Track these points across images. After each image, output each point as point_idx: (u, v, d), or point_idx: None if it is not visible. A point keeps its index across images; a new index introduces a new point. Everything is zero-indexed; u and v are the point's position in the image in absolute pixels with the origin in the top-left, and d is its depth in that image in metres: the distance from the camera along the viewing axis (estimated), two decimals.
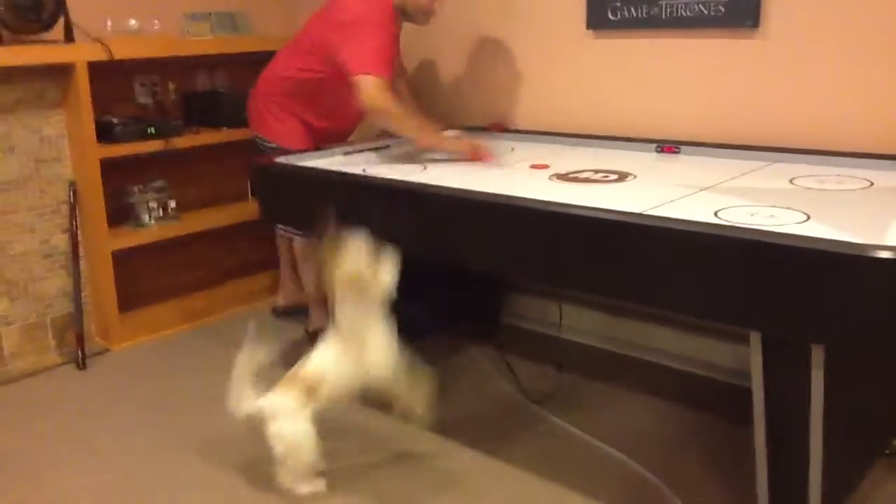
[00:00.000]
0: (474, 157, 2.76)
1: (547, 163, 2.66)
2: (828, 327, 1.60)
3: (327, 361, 2.20)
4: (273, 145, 3.13)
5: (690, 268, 1.75)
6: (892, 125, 2.41)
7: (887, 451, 2.35)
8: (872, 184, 2.19)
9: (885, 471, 2.28)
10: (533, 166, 2.63)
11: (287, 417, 2.12)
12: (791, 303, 1.63)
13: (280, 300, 3.66)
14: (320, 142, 3.14)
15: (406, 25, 3.07)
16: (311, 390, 2.14)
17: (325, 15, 2.99)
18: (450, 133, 3.07)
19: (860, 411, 2.06)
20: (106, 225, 3.27)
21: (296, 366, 2.23)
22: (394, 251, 2.16)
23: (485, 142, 2.89)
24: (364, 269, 2.13)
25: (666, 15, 2.78)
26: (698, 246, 1.73)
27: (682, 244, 1.76)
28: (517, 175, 2.53)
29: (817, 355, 1.70)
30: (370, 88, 2.74)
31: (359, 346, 2.17)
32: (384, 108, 2.75)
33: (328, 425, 2.21)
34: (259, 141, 3.21)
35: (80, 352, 3.22)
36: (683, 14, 2.73)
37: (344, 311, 2.17)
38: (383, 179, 2.46)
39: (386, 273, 2.16)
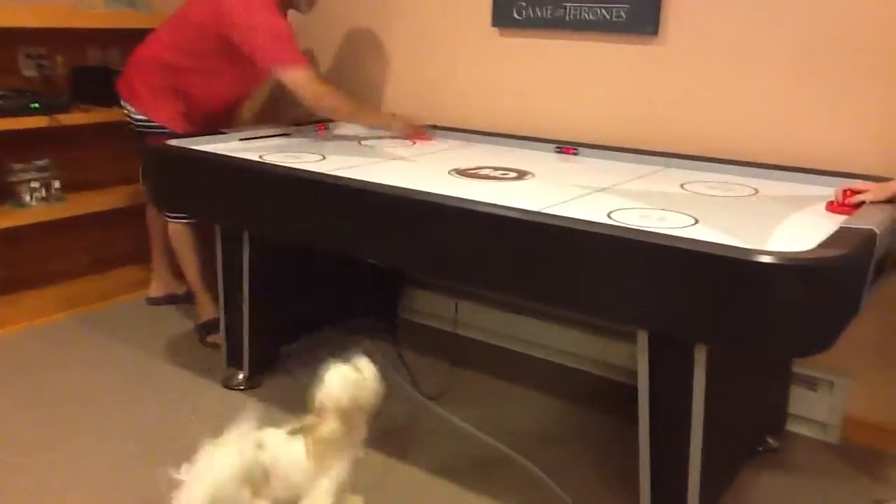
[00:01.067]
0: (414, 136, 2.99)
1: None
2: (711, 328, 1.66)
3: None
4: (141, 117, 3.02)
5: (582, 266, 1.78)
6: (778, 135, 2.52)
7: (761, 448, 2.46)
8: (758, 191, 2.28)
9: (759, 467, 2.38)
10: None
11: None
12: (676, 303, 1.67)
13: (154, 290, 3.52)
14: (200, 126, 3.05)
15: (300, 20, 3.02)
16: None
17: (196, 8, 2.91)
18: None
19: (738, 410, 2.14)
20: None
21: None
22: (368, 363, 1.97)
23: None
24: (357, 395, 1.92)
25: (570, 17, 2.81)
26: (590, 245, 1.76)
27: (575, 243, 1.78)
28: (417, 169, 2.51)
29: (700, 355, 1.76)
30: (302, 83, 2.78)
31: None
32: (324, 98, 2.82)
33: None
34: (129, 114, 3.07)
35: None
36: (587, 17, 2.78)
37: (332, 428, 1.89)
38: (282, 168, 2.41)
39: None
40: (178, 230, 3.09)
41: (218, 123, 3.15)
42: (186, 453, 2.37)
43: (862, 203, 1.97)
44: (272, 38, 2.77)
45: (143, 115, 3.02)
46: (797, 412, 2.57)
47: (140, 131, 3.03)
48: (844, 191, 2.01)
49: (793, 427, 2.59)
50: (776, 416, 2.53)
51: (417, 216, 2.03)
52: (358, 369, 1.92)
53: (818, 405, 2.55)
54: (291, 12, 2.99)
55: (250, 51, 2.78)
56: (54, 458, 2.36)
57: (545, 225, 1.83)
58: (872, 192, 1.98)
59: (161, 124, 2.99)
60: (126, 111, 3.09)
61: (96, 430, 2.50)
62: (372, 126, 3.10)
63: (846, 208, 1.98)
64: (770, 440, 2.48)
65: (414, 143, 2.96)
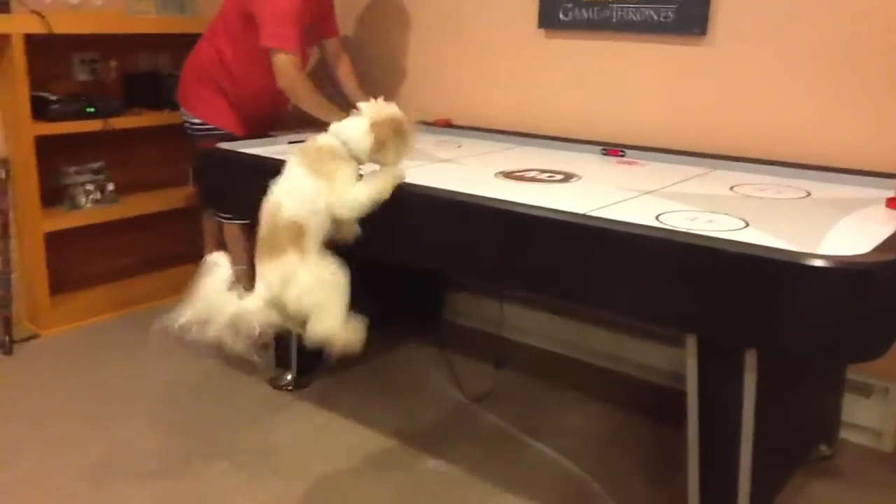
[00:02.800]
0: None
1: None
2: (761, 332, 1.63)
3: (300, 196, 1.99)
4: (197, 121, 3.10)
5: (630, 270, 1.76)
6: (830, 138, 2.47)
7: (814, 456, 2.41)
8: (810, 194, 2.23)
9: (811, 475, 2.34)
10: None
11: (296, 277, 1.91)
12: (726, 307, 1.65)
13: None
14: (253, 125, 3.11)
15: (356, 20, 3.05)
16: (298, 239, 1.94)
17: None
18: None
19: (789, 416, 2.11)
20: (39, 205, 3.16)
21: (265, 210, 2.02)
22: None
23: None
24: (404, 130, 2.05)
25: (616, 18, 2.80)
26: (638, 248, 1.75)
27: (623, 246, 1.77)
28: (463, 171, 2.52)
29: (750, 360, 1.74)
30: (284, 66, 2.87)
31: (329, 177, 2.01)
32: (295, 84, 2.90)
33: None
34: (185, 118, 3.17)
35: (7, 336, 3.10)
36: (633, 18, 2.76)
37: (339, 136, 2.06)
38: None
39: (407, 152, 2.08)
40: (233, 232, 3.15)
41: (269, 123, 3.20)
42: (228, 450, 2.42)
43: None
44: (272, 17, 2.86)
45: (197, 118, 3.10)
46: (851, 420, 2.52)
47: (195, 134, 3.10)
48: None
49: (846, 435, 2.54)
50: (829, 424, 2.48)
51: (463, 218, 2.03)
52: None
53: (872, 412, 2.49)
54: None
55: (258, 24, 2.88)
56: (98, 453, 2.41)
57: (593, 228, 1.82)
58: None
59: (214, 126, 3.06)
60: (182, 115, 3.17)
61: (141, 426, 2.55)
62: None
63: None
64: (823, 448, 2.44)
65: None
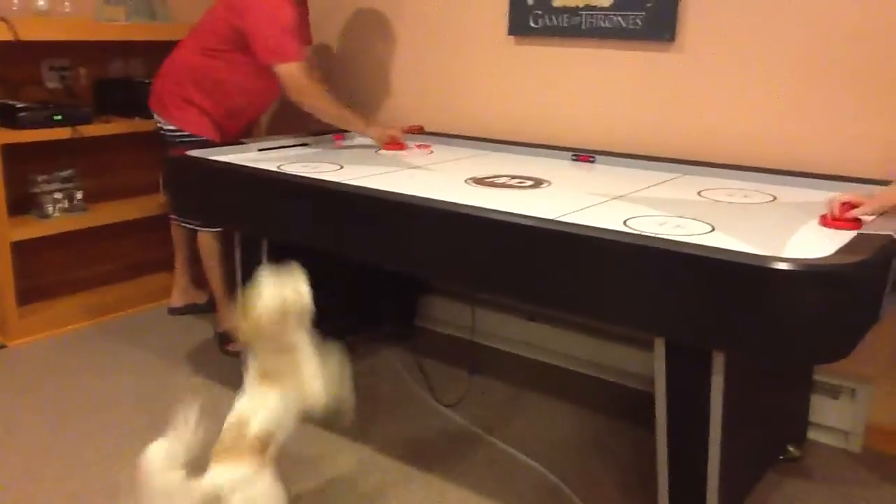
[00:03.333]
0: (390, 145, 3.00)
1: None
2: (728, 335, 1.65)
3: (269, 412, 1.88)
4: (172, 127, 3.09)
5: (598, 274, 1.78)
6: (796, 142, 2.51)
7: (782, 457, 2.44)
8: (776, 198, 2.27)
9: (780, 474, 2.36)
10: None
11: (252, 487, 1.82)
12: (693, 310, 1.67)
13: (176, 300, 3.55)
14: (229, 132, 3.11)
15: (328, 27, 3.05)
16: (263, 450, 1.86)
17: (219, 8, 3.00)
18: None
19: (758, 418, 2.13)
20: (6, 214, 3.11)
21: (229, 424, 1.91)
22: (299, 269, 1.95)
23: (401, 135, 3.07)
24: (275, 307, 1.88)
25: (586, 25, 2.82)
26: (607, 252, 1.76)
27: (592, 250, 1.78)
28: (434, 177, 2.53)
29: (718, 362, 1.75)
30: (293, 76, 2.85)
31: (292, 380, 1.92)
32: (310, 94, 2.89)
33: None
34: (160, 125, 3.15)
35: None
36: (603, 25, 2.78)
37: (265, 352, 1.92)
38: (300, 177, 2.43)
39: (301, 296, 1.93)
40: (207, 240, 3.13)
41: (245, 130, 3.19)
42: (205, 461, 2.40)
43: (857, 218, 1.91)
44: (270, 28, 2.83)
45: (172, 125, 3.09)
46: (819, 420, 2.55)
47: (170, 141, 3.08)
48: (842, 204, 1.93)
49: (814, 435, 2.57)
50: (797, 425, 2.51)
51: (433, 224, 2.04)
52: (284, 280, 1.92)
53: (840, 413, 2.52)
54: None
55: (251, 41, 2.86)
56: (71, 464, 2.38)
57: (560, 233, 1.83)
58: (867, 204, 1.91)
59: (191, 133, 3.05)
60: (157, 121, 3.15)
61: (115, 437, 2.53)
62: (347, 128, 3.08)
63: (841, 223, 1.91)
64: (792, 449, 2.46)
65: (391, 149, 2.99)
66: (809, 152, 2.48)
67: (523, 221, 1.89)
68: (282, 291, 1.89)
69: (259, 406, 1.88)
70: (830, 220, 1.93)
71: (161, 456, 1.77)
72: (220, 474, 1.81)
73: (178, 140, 3.06)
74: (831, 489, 2.32)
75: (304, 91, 2.87)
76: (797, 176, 2.41)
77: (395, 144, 3.01)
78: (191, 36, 3.13)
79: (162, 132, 3.15)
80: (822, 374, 2.51)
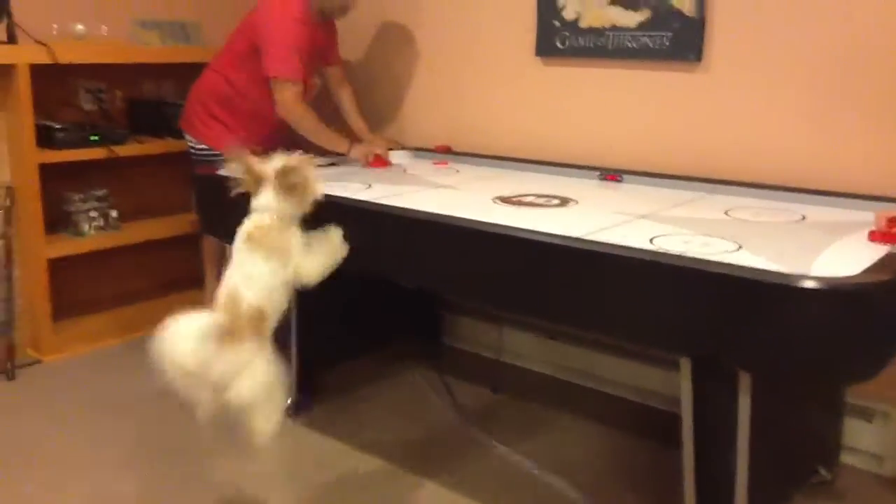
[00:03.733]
0: (375, 163, 3.06)
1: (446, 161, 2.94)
2: (754, 354, 1.63)
3: (260, 286, 1.98)
4: (203, 147, 3.17)
5: (623, 292, 1.77)
6: (826, 161, 2.49)
7: (814, 480, 2.40)
8: (805, 217, 2.25)
9: (811, 497, 2.33)
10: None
11: (254, 369, 1.90)
12: (719, 329, 1.66)
13: None
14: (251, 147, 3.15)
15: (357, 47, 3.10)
16: (260, 326, 1.94)
17: (249, 18, 3.09)
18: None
19: (786, 439, 2.10)
20: (42, 232, 3.19)
21: (223, 297, 2.00)
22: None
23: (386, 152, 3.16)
24: (304, 165, 2.06)
25: (612, 45, 2.83)
26: (631, 271, 1.76)
27: (616, 269, 1.78)
28: (461, 196, 2.54)
29: (744, 382, 1.74)
30: (283, 94, 2.97)
31: (284, 253, 2.02)
32: (295, 113, 3.01)
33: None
34: (191, 145, 3.24)
35: (9, 362, 3.12)
36: (629, 45, 2.79)
37: (265, 210, 2.05)
38: (327, 195, 2.45)
39: (312, 179, 2.08)
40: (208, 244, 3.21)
41: (273, 145, 3.23)
42: (228, 475, 2.42)
43: None
44: (275, 46, 2.95)
45: (202, 144, 3.17)
46: (852, 444, 2.51)
47: (200, 160, 3.15)
48: (889, 219, 1.93)
49: (847, 459, 2.52)
50: (828, 447, 2.47)
51: (459, 242, 2.05)
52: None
53: (873, 437, 2.48)
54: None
55: (261, 54, 2.97)
56: (99, 478, 2.42)
57: (584, 251, 1.83)
58: None
59: (215, 150, 3.11)
60: (188, 142, 3.23)
61: (143, 451, 2.56)
62: (332, 149, 3.11)
63: (890, 237, 1.91)
64: (823, 471, 2.42)
65: (376, 167, 3.04)
66: (840, 171, 2.46)
67: (546, 239, 1.90)
68: (298, 163, 2.05)
69: (249, 278, 1.96)
70: (878, 236, 1.92)
71: (189, 329, 1.90)
72: (222, 360, 1.87)
73: (205, 158, 3.13)
74: None
75: (290, 110, 3.00)
76: (827, 195, 2.39)
77: (379, 162, 3.07)
78: (216, 57, 3.23)
79: (191, 151, 3.23)
80: (855, 397, 2.46)
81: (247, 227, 2.07)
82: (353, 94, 3.37)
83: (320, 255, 2.10)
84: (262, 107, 3.09)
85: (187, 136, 3.25)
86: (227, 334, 1.91)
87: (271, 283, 2.00)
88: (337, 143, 3.08)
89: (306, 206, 2.10)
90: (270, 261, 2.01)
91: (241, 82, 3.11)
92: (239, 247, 2.05)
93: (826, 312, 1.55)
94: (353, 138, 3.20)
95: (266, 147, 3.17)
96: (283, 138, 3.33)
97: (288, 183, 2.05)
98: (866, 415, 2.48)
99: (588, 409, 2.88)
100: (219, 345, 1.89)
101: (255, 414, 1.93)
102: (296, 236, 2.07)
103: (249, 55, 3.04)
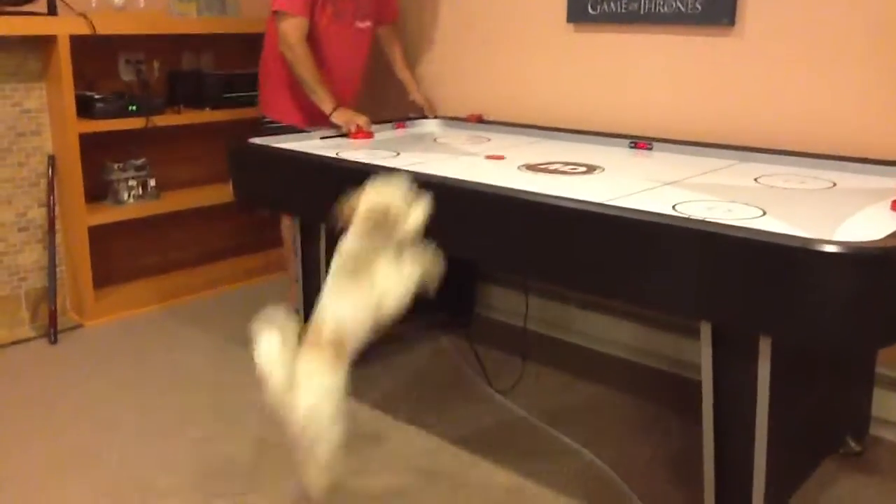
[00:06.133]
0: (357, 134, 2.98)
1: (503, 154, 2.69)
2: (773, 319, 1.62)
3: (342, 318, 1.93)
4: (269, 119, 3.20)
5: (643, 258, 1.77)
6: (858, 128, 2.43)
7: (841, 450, 2.37)
8: (835, 184, 2.21)
9: (838, 468, 2.30)
10: (489, 157, 2.67)
11: (322, 378, 1.88)
12: (736, 293, 1.65)
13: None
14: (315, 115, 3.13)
15: None
16: (339, 350, 1.91)
17: None
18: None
19: (810, 407, 2.08)
20: (83, 200, 3.27)
21: (313, 323, 1.97)
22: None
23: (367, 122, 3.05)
24: (391, 202, 1.93)
25: (644, 10, 2.79)
26: (650, 236, 1.75)
27: (633, 233, 1.77)
28: (487, 164, 2.54)
29: (764, 347, 1.73)
30: (283, 26, 2.95)
31: (370, 286, 1.95)
32: (294, 51, 2.95)
33: None
34: (266, 122, 3.25)
35: (52, 327, 3.22)
36: (661, 10, 2.75)
37: (355, 241, 1.95)
38: (358, 163, 2.48)
39: (416, 213, 1.93)
40: (289, 222, 3.21)
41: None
42: (269, 435, 2.48)
43: None
44: None
45: (264, 114, 3.22)
46: (883, 415, 2.47)
47: (264, 130, 3.19)
48: None
49: (878, 431, 2.49)
50: (858, 418, 2.43)
51: (477, 208, 2.06)
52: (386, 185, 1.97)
53: None
54: None
55: None
56: (138, 436, 2.50)
57: (600, 215, 1.83)
58: None
59: (274, 119, 3.17)
60: (258, 111, 3.28)
61: (178, 412, 2.63)
62: (317, 103, 3.03)
63: None
64: (852, 443, 2.39)
65: (357, 138, 2.96)
66: (872, 138, 2.40)
67: (564, 203, 1.90)
68: (391, 194, 1.94)
69: (335, 309, 1.94)
70: None
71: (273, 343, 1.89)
72: (305, 361, 1.89)
73: (268, 128, 3.18)
74: (891, 485, 2.25)
75: (289, 46, 2.95)
76: (859, 162, 2.34)
77: (361, 133, 2.98)
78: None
79: (261, 122, 3.26)
80: (886, 367, 2.43)
81: (337, 258, 1.99)
82: (403, 51, 3.42)
83: (404, 284, 1.99)
84: (321, 63, 3.05)
85: (260, 111, 3.28)
86: (312, 345, 1.92)
87: (358, 316, 1.95)
88: (323, 101, 2.99)
89: (399, 237, 1.96)
90: (359, 290, 1.96)
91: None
92: (330, 274, 2.01)
93: (847, 277, 1.53)
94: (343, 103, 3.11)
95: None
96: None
97: (372, 225, 1.94)
98: None
99: (617, 378, 2.89)
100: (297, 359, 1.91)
101: (311, 444, 1.90)
102: (385, 265, 1.97)
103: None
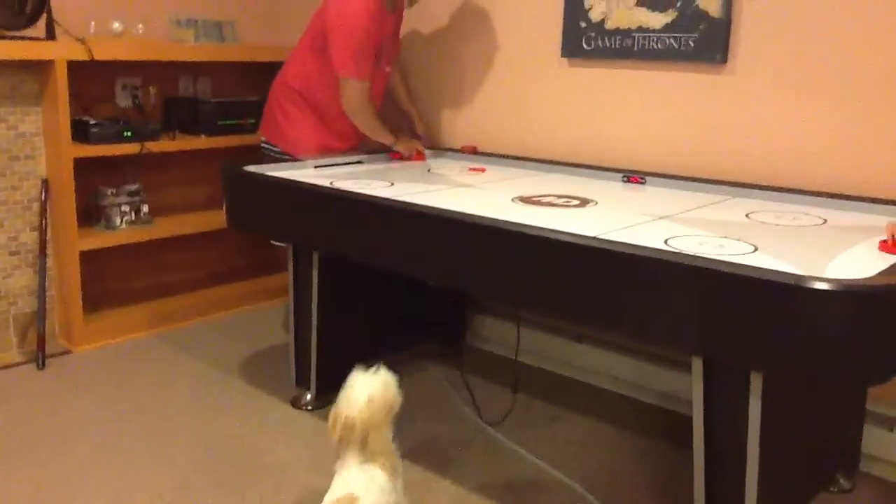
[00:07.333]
0: (411, 157, 3.23)
1: (484, 167, 3.00)
2: (764, 355, 1.63)
3: (378, 492, 1.79)
4: (278, 150, 3.21)
5: (634, 291, 1.77)
6: (850, 165, 2.46)
7: (833, 489, 2.36)
8: (826, 221, 2.22)
9: None
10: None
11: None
12: (729, 329, 1.65)
13: None
14: (335, 136, 3.21)
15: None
16: None
17: (321, 10, 3.10)
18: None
19: (801, 444, 2.08)
20: (76, 224, 3.26)
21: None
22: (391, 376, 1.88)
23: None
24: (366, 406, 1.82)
25: (638, 47, 2.82)
26: (641, 270, 1.76)
27: (626, 268, 1.78)
28: (482, 196, 2.55)
29: (755, 382, 1.73)
30: (352, 93, 3.02)
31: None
32: (361, 113, 3.08)
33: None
34: (265, 147, 3.26)
35: (40, 352, 3.20)
36: (654, 46, 2.78)
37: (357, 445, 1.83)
38: (350, 193, 2.48)
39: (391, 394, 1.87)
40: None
41: (352, 143, 3.29)
42: (249, 466, 2.46)
43: None
44: (346, 44, 2.96)
45: (267, 141, 3.24)
46: (873, 452, 2.47)
47: (267, 156, 3.21)
48: None
49: (868, 468, 2.48)
50: (848, 455, 2.43)
51: (469, 239, 2.07)
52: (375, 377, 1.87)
53: (895, 446, 2.44)
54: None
55: (330, 51, 2.99)
56: (122, 462, 2.47)
57: (596, 249, 1.83)
58: None
59: (279, 149, 3.20)
60: (265, 147, 3.28)
61: (165, 441, 2.61)
62: (382, 142, 3.24)
63: None
64: (842, 480, 2.39)
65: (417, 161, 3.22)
66: (863, 176, 2.43)
67: (556, 236, 1.90)
68: (373, 389, 1.83)
69: (368, 485, 1.78)
70: (892, 245, 1.87)
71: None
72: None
73: (269, 154, 3.20)
74: None
75: (355, 109, 3.06)
76: (850, 199, 2.36)
77: (420, 156, 3.26)
78: (293, 53, 3.24)
79: (262, 148, 3.28)
80: (876, 405, 2.43)
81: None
82: (402, 76, 3.50)
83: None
84: (335, 104, 3.11)
85: (261, 134, 3.30)
86: None
87: (394, 493, 1.84)
88: (387, 138, 3.20)
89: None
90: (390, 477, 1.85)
91: (317, 75, 3.12)
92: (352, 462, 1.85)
93: (837, 314, 1.54)
94: (397, 132, 3.30)
95: (343, 146, 3.23)
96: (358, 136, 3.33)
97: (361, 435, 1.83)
98: (888, 423, 2.44)
99: (606, 410, 2.88)
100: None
101: None
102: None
103: (324, 48, 3.04)
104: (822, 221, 2.22)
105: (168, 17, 3.65)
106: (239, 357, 3.30)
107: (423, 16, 3.48)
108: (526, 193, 2.55)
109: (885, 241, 1.90)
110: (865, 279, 1.57)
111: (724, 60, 2.65)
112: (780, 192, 2.50)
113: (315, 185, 2.57)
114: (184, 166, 3.77)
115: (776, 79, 2.58)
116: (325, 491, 1.80)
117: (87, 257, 3.34)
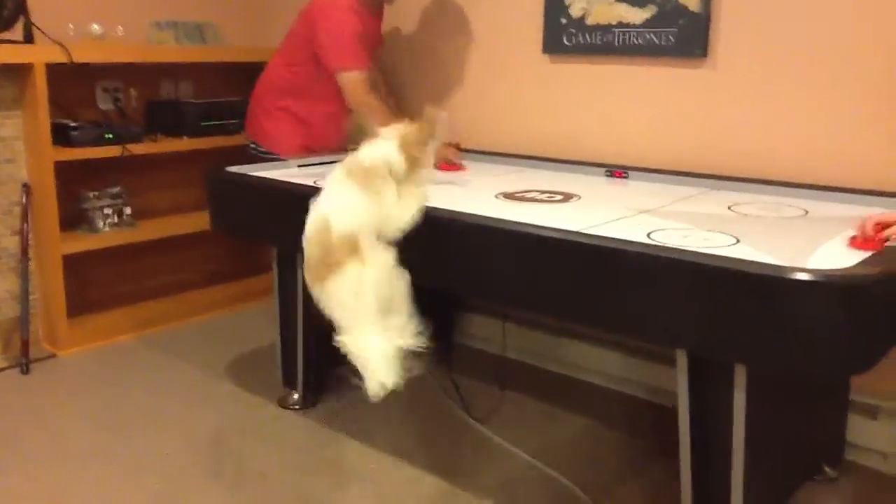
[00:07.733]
0: (445, 166, 2.93)
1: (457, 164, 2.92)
2: (748, 346, 1.63)
3: (349, 212, 1.94)
4: (263, 149, 3.19)
5: (617, 286, 1.78)
6: (830, 156, 2.48)
7: (818, 477, 2.38)
8: (807, 212, 2.24)
9: (814, 495, 2.31)
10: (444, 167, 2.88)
11: (368, 273, 1.90)
12: (713, 322, 1.66)
13: None
14: (318, 140, 3.17)
15: None
16: (354, 252, 1.90)
17: (305, 9, 3.09)
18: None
19: (787, 434, 2.09)
20: (58, 228, 3.24)
21: (313, 230, 1.98)
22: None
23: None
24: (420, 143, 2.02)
25: (619, 42, 2.83)
26: (623, 264, 1.76)
27: (610, 261, 1.79)
28: (464, 192, 2.56)
29: (739, 374, 1.74)
30: (353, 85, 2.94)
31: (378, 194, 1.98)
32: (369, 105, 2.94)
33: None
34: (252, 147, 3.25)
35: (24, 356, 3.18)
36: (635, 42, 2.79)
37: (380, 155, 2.00)
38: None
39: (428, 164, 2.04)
40: None
41: (335, 141, 3.25)
42: (238, 467, 2.45)
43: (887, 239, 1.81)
44: (335, 39, 2.94)
45: (265, 149, 3.22)
46: (857, 441, 2.49)
47: (254, 155, 3.20)
48: (876, 223, 1.83)
49: (852, 456, 2.50)
50: (833, 445, 2.45)
51: (458, 237, 2.07)
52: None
53: (879, 435, 2.46)
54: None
55: (320, 52, 2.97)
56: (108, 466, 2.46)
57: (580, 244, 1.84)
58: None
59: (265, 148, 3.18)
60: (252, 147, 3.27)
61: (151, 444, 2.59)
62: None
63: (874, 243, 1.81)
64: (827, 469, 2.40)
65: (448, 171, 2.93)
66: (843, 167, 2.45)
67: (540, 232, 1.91)
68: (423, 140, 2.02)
69: (339, 205, 1.92)
70: (861, 242, 1.83)
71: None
72: (333, 293, 1.89)
73: (256, 155, 3.19)
74: None
75: (362, 101, 2.96)
76: (830, 191, 2.38)
77: (449, 166, 2.95)
78: (277, 52, 3.23)
79: (248, 148, 3.27)
80: (859, 394, 2.45)
81: (349, 162, 2.03)
82: (384, 76, 3.45)
83: (408, 209, 2.03)
84: (320, 102, 3.10)
85: (245, 132, 3.29)
86: (323, 267, 1.91)
87: (363, 215, 1.95)
88: None
89: (410, 180, 2.03)
90: (363, 196, 1.97)
91: (300, 78, 3.11)
92: (335, 178, 2.03)
93: (820, 304, 1.55)
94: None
95: (329, 147, 3.22)
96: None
97: (411, 151, 2.01)
98: (871, 412, 2.46)
99: (593, 405, 2.89)
100: (317, 279, 1.92)
101: (388, 314, 1.95)
102: (393, 192, 2.01)
103: (306, 50, 3.03)
104: (803, 212, 2.24)
105: (148, 19, 3.63)
106: (225, 359, 3.28)
107: (403, 14, 3.48)
108: (509, 189, 2.55)
109: (854, 238, 1.87)
110: (846, 269, 1.58)
111: (704, 55, 2.66)
112: (761, 184, 2.52)
113: (297, 186, 2.56)
114: (167, 168, 3.75)
115: (756, 72, 2.59)
116: (315, 490, 1.83)
117: (71, 261, 3.31)
